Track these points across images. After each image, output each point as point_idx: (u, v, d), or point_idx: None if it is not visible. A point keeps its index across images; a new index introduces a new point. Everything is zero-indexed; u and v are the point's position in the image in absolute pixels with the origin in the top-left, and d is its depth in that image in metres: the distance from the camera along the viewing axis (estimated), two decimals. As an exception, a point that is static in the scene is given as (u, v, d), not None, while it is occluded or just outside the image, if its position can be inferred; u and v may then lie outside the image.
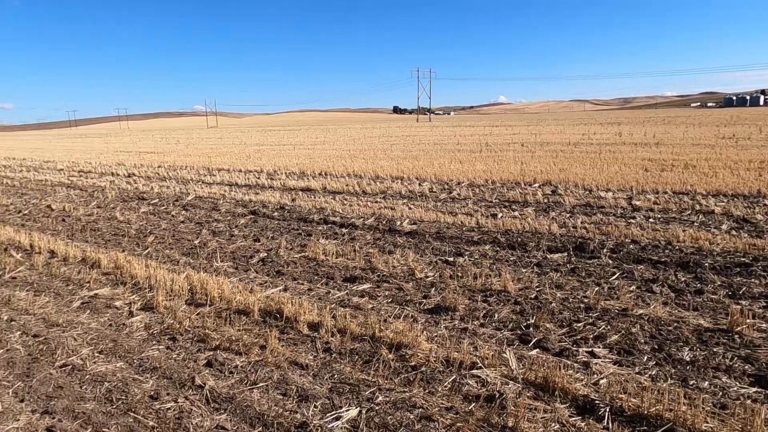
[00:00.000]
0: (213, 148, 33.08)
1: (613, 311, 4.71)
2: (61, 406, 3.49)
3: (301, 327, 4.56)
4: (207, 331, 4.58)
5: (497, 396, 3.36)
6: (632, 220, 8.24)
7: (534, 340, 4.17)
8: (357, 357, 4.03)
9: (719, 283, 5.34)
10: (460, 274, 5.89)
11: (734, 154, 16.59)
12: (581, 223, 8.10)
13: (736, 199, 9.67)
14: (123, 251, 7.44)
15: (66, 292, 5.85)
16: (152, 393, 3.61)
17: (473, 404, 3.32)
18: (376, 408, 3.32)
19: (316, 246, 7.20)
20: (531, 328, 4.42)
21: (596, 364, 3.77)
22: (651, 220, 8.28)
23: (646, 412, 3.11)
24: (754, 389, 3.38)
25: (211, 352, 4.19)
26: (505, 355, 3.90)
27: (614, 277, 5.61)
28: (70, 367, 4.05)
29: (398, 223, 8.68)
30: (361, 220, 9.08)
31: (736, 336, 4.13)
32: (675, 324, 4.40)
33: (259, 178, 15.46)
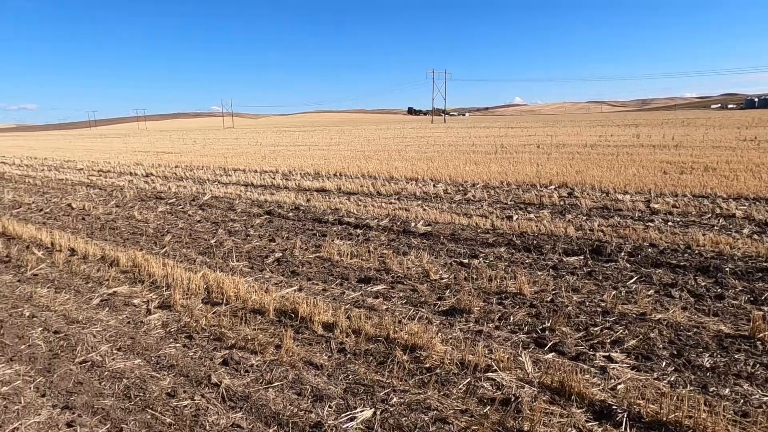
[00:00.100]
0: (229, 148, 33.40)
1: (631, 315, 4.65)
2: (81, 402, 3.56)
3: (315, 327, 4.58)
4: (223, 329, 4.63)
5: (513, 399, 3.33)
6: (650, 224, 8.12)
7: (550, 344, 4.13)
8: (371, 358, 4.03)
9: (740, 288, 5.24)
10: (474, 276, 5.86)
11: (756, 156, 16.26)
12: (598, 226, 8.00)
13: (758, 203, 9.47)
14: (141, 250, 7.55)
15: (86, 289, 5.95)
16: (169, 390, 3.66)
17: (488, 407, 3.30)
18: (391, 409, 3.32)
19: (330, 246, 7.22)
20: (547, 332, 4.38)
21: (613, 368, 3.72)
22: (670, 223, 8.16)
23: (665, 418, 3.06)
24: (777, 397, 3.31)
25: (227, 351, 4.23)
26: (520, 358, 3.87)
27: (632, 281, 5.54)
28: (90, 363, 4.12)
29: (413, 224, 8.67)
30: (376, 221, 9.09)
31: (758, 342, 4.04)
32: (695, 329, 4.33)
33: (274, 178, 15.57)
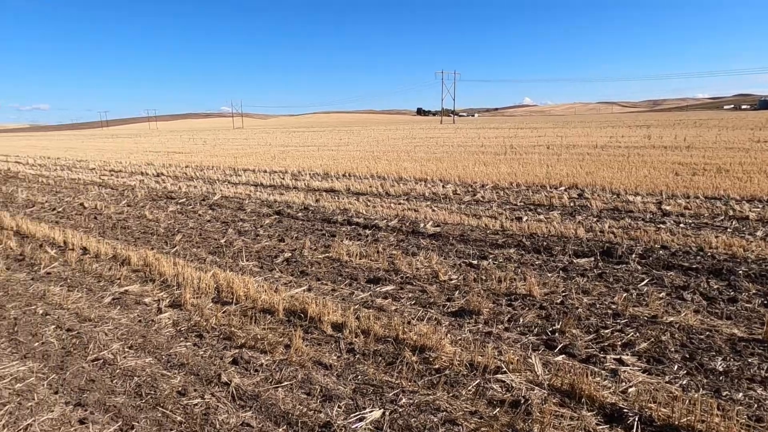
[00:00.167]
0: (239, 148, 33.58)
1: (642, 318, 4.61)
2: (93, 399, 3.59)
3: (325, 327, 4.59)
4: (233, 329, 4.65)
5: (522, 401, 3.32)
6: (662, 225, 8.05)
7: (560, 346, 4.11)
8: (380, 358, 4.03)
9: (754, 291, 5.17)
10: (484, 278, 5.84)
11: (770, 158, 16.05)
12: (609, 227, 7.94)
13: (772, 205, 9.34)
14: (152, 249, 7.61)
15: (97, 287, 6.02)
16: (180, 389, 3.69)
17: (498, 409, 3.29)
18: (400, 410, 3.32)
19: (339, 247, 7.24)
20: (557, 334, 4.36)
21: (624, 371, 3.69)
22: (682, 225, 8.08)
23: (677, 422, 3.03)
24: (792, 402, 3.26)
25: (237, 350, 4.25)
26: (530, 360, 3.86)
27: (643, 284, 5.49)
28: (102, 361, 4.17)
29: (422, 225, 8.66)
30: (385, 221, 9.09)
31: (773, 346, 3.99)
32: (707, 333, 4.28)
33: (283, 178, 15.63)
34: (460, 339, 4.30)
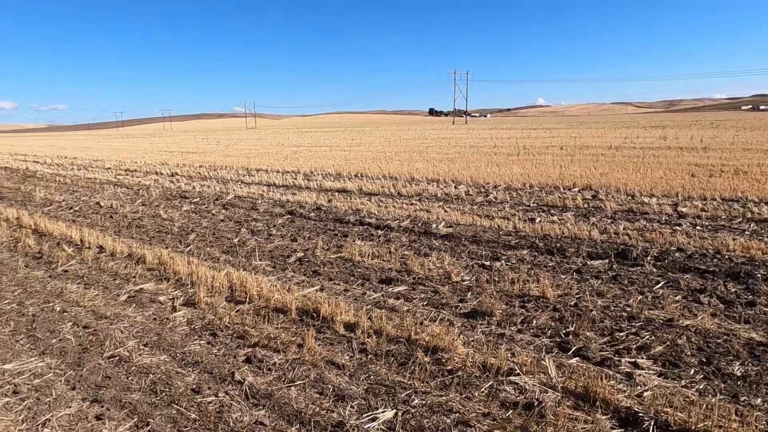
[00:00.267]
0: (251, 148, 33.81)
1: (658, 321, 4.55)
2: (109, 396, 3.64)
3: (337, 327, 4.61)
4: (246, 328, 4.69)
5: (536, 404, 3.30)
6: (678, 227, 7.94)
7: (574, 348, 4.08)
8: (393, 359, 4.03)
9: (773, 295, 5.08)
10: (497, 279, 5.81)
11: (789, 159, 15.76)
12: (623, 229, 7.86)
13: (791, 208, 9.17)
14: (166, 248, 7.70)
15: (113, 285, 6.10)
16: (194, 386, 3.72)
17: (511, 411, 3.27)
18: (412, 411, 3.32)
19: (352, 247, 7.25)
20: (571, 336, 4.32)
21: (640, 375, 3.65)
22: (698, 227, 7.96)
23: (693, 427, 2.99)
24: (812, 409, 3.20)
25: (250, 349, 4.28)
26: (543, 362, 3.83)
27: (658, 286, 5.42)
28: (118, 358, 4.22)
29: (434, 225, 8.65)
30: (397, 222, 9.09)
31: (792, 352, 3.92)
32: (724, 337, 4.21)
33: (296, 178, 15.70)
34: (472, 340, 4.29)
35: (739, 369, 3.70)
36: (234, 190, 13.99)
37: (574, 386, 3.48)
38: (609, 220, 8.67)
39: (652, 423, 3.05)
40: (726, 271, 5.82)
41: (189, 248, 7.78)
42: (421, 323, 4.60)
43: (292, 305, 5.03)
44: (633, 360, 3.88)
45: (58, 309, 5.38)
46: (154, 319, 5.06)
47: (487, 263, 6.45)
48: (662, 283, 5.52)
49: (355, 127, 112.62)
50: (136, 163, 24.10)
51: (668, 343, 4.13)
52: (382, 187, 13.08)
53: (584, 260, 6.46)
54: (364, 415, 3.28)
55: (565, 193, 11.30)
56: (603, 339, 4.26)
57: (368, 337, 4.37)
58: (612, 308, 4.88)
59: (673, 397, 3.33)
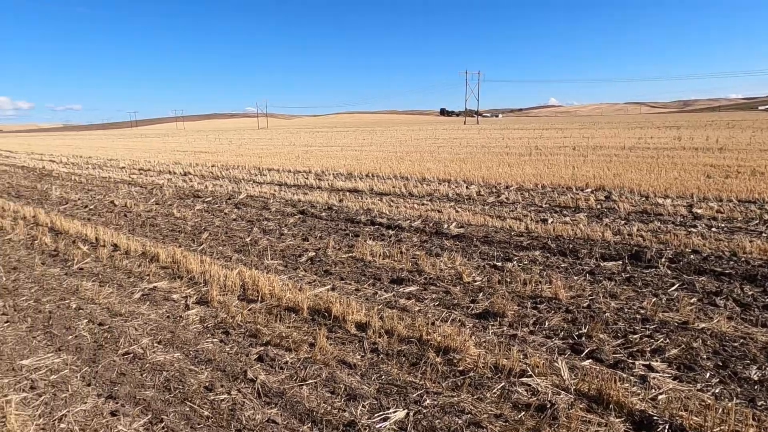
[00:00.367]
0: (263, 148, 34.00)
1: (672, 324, 4.50)
2: (124, 392, 3.69)
3: (348, 326, 4.62)
4: (258, 326, 4.72)
5: (548, 406, 3.28)
6: (693, 229, 7.84)
7: (587, 350, 4.04)
8: (404, 359, 4.03)
9: (791, 298, 5.00)
10: (508, 280, 5.79)
11: (808, 160, 15.48)
12: (637, 230, 7.77)
13: (810, 209, 9.01)
14: (179, 246, 7.77)
15: (128, 283, 6.17)
16: (207, 384, 3.75)
17: (523, 413, 3.25)
18: (424, 411, 3.32)
19: (363, 247, 7.26)
20: (583, 338, 4.29)
21: (654, 378, 3.61)
22: (714, 229, 7.85)
23: None
24: (832, 414, 3.14)
25: (262, 348, 4.31)
26: (556, 364, 3.80)
27: (673, 288, 5.36)
28: (132, 355, 4.27)
29: (445, 225, 8.63)
30: (408, 222, 9.09)
31: (811, 356, 3.85)
32: (741, 340, 4.15)
33: (307, 178, 15.76)
34: (484, 341, 4.27)
35: (756, 373, 3.65)
36: (246, 189, 14.08)
37: (587, 388, 3.46)
38: (622, 222, 8.59)
39: (667, 427, 3.01)
40: (742, 273, 5.73)
41: (202, 247, 7.85)
42: (433, 323, 4.60)
43: (303, 304, 5.05)
44: (647, 363, 3.84)
45: (74, 306, 5.46)
46: (168, 316, 5.11)
47: (499, 264, 6.42)
48: (677, 285, 5.45)
49: (366, 127, 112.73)
50: (150, 163, 24.36)
51: (683, 346, 4.07)
52: (393, 187, 13.08)
53: (597, 261, 6.40)
54: (375, 415, 3.29)
55: (578, 194, 11.21)
56: (616, 341, 4.22)
57: (379, 337, 4.38)
58: (625, 310, 4.83)
59: (689, 401, 3.29)
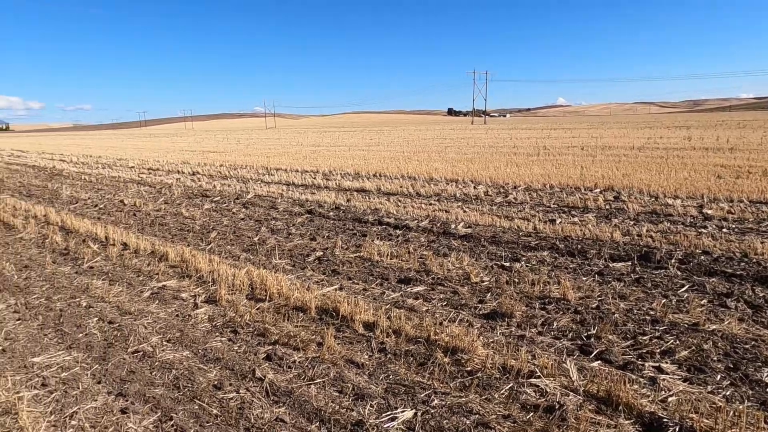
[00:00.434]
0: (271, 148, 34.11)
1: (683, 325, 4.46)
2: (134, 390, 3.72)
3: (356, 326, 4.62)
4: (266, 325, 4.74)
5: (557, 407, 3.26)
6: (703, 230, 7.77)
7: (596, 352, 4.02)
8: (412, 359, 4.03)
9: (804, 300, 4.94)
10: (516, 280, 5.77)
11: (821, 161, 15.28)
12: (646, 231, 7.72)
13: (823, 210, 8.90)
14: (188, 245, 7.82)
15: (137, 282, 6.22)
16: (216, 382, 3.78)
17: (531, 414, 3.24)
18: (432, 411, 3.31)
19: (370, 246, 7.27)
20: (592, 339, 4.26)
21: (664, 380, 3.58)
22: (724, 230, 7.78)
23: (720, 434, 2.92)
24: None
25: (271, 347, 4.32)
26: (565, 365, 3.79)
27: (683, 290, 5.32)
28: (141, 353, 4.31)
29: (453, 225, 8.62)
30: (416, 222, 9.08)
31: (824, 359, 3.80)
32: (752, 342, 4.11)
33: (315, 178, 15.80)
34: (492, 342, 4.26)
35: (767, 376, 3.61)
36: (254, 189, 14.14)
37: (596, 390, 3.44)
38: (632, 222, 8.53)
39: (677, 429, 2.99)
40: (754, 275, 5.67)
41: (210, 246, 7.89)
42: (441, 324, 4.59)
43: (311, 304, 5.07)
44: (657, 364, 3.81)
45: (84, 304, 5.51)
46: (177, 315, 5.14)
47: (507, 264, 6.40)
48: (687, 286, 5.41)
49: (373, 126, 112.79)
50: (159, 162, 24.52)
51: (693, 347, 4.04)
52: (401, 186, 13.08)
53: (606, 262, 6.36)
54: (383, 415, 3.29)
55: (587, 194, 11.15)
56: (626, 342, 4.20)
57: (387, 337, 4.38)
58: (635, 311, 4.80)
59: (699, 403, 3.26)
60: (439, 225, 8.76)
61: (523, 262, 6.48)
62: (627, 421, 3.13)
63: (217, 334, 4.66)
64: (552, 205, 10.28)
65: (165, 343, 4.50)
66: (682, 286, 5.43)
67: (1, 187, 16.88)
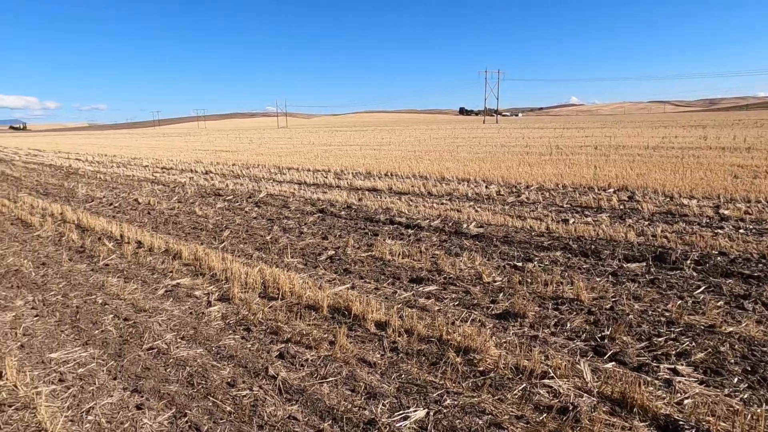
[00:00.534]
0: (283, 147, 34.27)
1: (699, 327, 4.40)
2: (149, 386, 3.76)
3: (368, 325, 4.63)
4: (279, 323, 4.76)
5: (570, 408, 3.24)
6: (720, 230, 7.66)
7: (610, 353, 3.98)
8: (424, 358, 4.03)
9: (824, 302, 4.84)
10: (529, 280, 5.73)
11: (841, 160, 14.98)
12: (661, 231, 7.63)
13: (843, 211, 8.72)
14: (201, 244, 7.89)
15: (151, 280, 6.29)
16: (229, 380, 3.81)
17: (545, 415, 3.22)
18: (444, 411, 3.31)
19: (382, 246, 7.27)
20: (606, 340, 4.22)
21: (679, 382, 3.54)
22: (741, 230, 7.66)
23: (737, 438, 2.88)
24: None
25: (283, 345, 4.35)
26: (578, 366, 3.76)
27: (699, 291, 5.24)
28: (156, 350, 4.36)
29: (464, 225, 8.59)
30: (427, 221, 9.07)
31: None
32: (771, 345, 4.04)
33: (326, 177, 15.84)
34: (505, 342, 4.24)
35: (786, 379, 3.55)
36: (266, 188, 14.22)
37: (611, 391, 3.41)
38: (646, 222, 8.43)
39: (693, 432, 2.95)
40: (772, 276, 5.58)
41: (223, 245, 7.96)
42: (453, 323, 4.58)
43: (323, 303, 5.09)
44: (672, 366, 3.76)
45: (100, 301, 5.59)
46: (191, 313, 5.19)
47: (519, 264, 6.36)
48: (703, 287, 5.33)
49: (385, 126, 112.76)
50: (172, 161, 24.76)
51: (710, 350, 3.99)
52: (412, 186, 13.06)
53: (620, 263, 6.30)
54: (395, 414, 3.29)
55: (600, 194, 11.04)
56: (640, 344, 4.15)
57: (399, 336, 4.38)
58: (650, 313, 4.75)
59: (716, 406, 3.22)
60: (450, 224, 8.74)
61: (535, 262, 6.44)
62: (642, 424, 3.10)
63: (230, 331, 4.69)
64: (565, 205, 10.20)
65: (179, 340, 4.55)
66: (698, 287, 5.35)
67: (19, 186, 17.17)
